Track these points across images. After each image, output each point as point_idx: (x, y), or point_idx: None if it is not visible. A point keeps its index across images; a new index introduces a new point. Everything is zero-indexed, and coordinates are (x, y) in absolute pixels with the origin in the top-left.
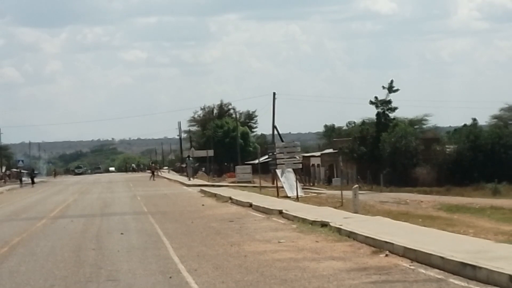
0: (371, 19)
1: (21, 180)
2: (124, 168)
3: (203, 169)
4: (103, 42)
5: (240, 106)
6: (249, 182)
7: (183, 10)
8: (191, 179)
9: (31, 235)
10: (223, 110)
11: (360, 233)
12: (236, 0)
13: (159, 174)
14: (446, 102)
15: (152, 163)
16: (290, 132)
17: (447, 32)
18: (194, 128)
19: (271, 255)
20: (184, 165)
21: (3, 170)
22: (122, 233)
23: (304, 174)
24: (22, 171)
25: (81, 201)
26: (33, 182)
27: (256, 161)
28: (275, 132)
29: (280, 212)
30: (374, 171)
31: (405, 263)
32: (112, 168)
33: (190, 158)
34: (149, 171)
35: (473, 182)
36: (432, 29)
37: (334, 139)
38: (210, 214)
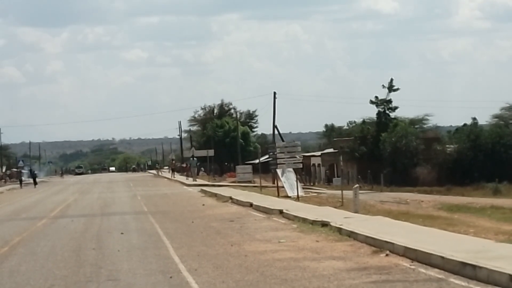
0: (372, 18)
1: (21, 181)
2: (124, 168)
3: (202, 169)
4: (104, 42)
5: (241, 105)
6: (250, 182)
7: (184, 9)
8: (195, 179)
9: (31, 234)
10: (224, 110)
11: (361, 233)
12: (237, 0)
13: (160, 173)
14: (447, 101)
15: (172, 160)
16: (290, 132)
17: (448, 32)
18: (194, 128)
19: (272, 255)
20: (184, 165)
21: (3, 170)
22: (122, 233)
23: (305, 174)
24: (22, 171)
25: (82, 201)
26: (35, 183)
27: (257, 161)
28: (276, 131)
29: (281, 211)
30: (375, 171)
31: (405, 263)
32: (112, 168)
33: (194, 158)
34: (167, 168)
35: (473, 182)
36: (433, 29)
37: (335, 139)
38: (211, 213)
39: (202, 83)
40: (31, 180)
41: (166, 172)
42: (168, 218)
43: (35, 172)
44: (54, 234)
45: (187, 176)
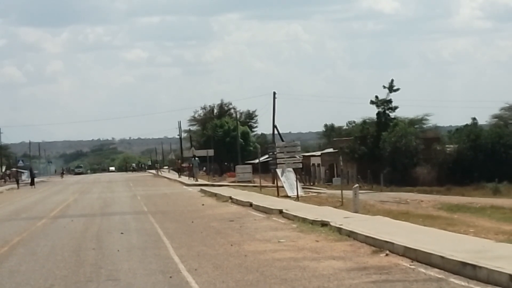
0: (373, 18)
1: (18, 181)
2: (124, 167)
3: (204, 168)
4: (104, 41)
5: (241, 105)
6: (249, 181)
7: (184, 9)
8: (197, 179)
9: (31, 234)
10: (223, 110)
11: (361, 233)
12: (238, 0)
13: (160, 173)
14: (447, 101)
15: (178, 160)
16: (290, 132)
17: (449, 32)
18: (194, 128)
19: (271, 255)
20: (184, 165)
21: (3, 170)
22: (122, 233)
23: (305, 174)
24: (20, 171)
25: (81, 201)
26: (32, 183)
27: (256, 161)
28: (275, 131)
29: (280, 211)
30: (375, 171)
31: (405, 263)
32: (112, 168)
33: (196, 158)
34: (167, 168)
35: (473, 182)
36: (434, 29)
37: (335, 139)
38: (210, 213)
39: (202, 83)
40: (30, 180)
41: (165, 172)
42: (168, 218)
43: (34, 172)
44: (54, 234)
45: (189, 176)
